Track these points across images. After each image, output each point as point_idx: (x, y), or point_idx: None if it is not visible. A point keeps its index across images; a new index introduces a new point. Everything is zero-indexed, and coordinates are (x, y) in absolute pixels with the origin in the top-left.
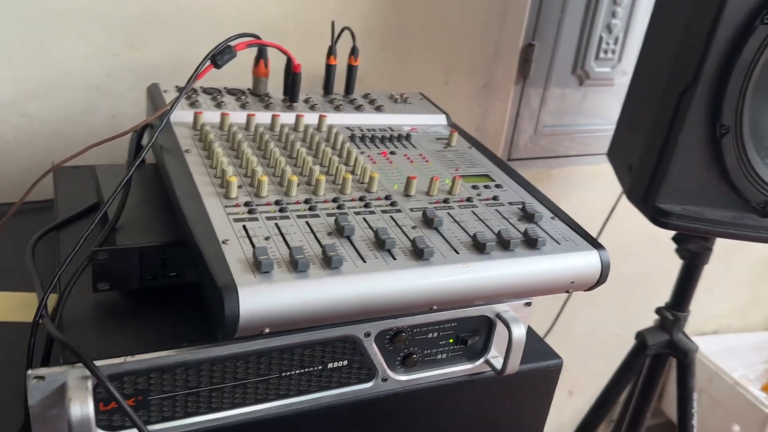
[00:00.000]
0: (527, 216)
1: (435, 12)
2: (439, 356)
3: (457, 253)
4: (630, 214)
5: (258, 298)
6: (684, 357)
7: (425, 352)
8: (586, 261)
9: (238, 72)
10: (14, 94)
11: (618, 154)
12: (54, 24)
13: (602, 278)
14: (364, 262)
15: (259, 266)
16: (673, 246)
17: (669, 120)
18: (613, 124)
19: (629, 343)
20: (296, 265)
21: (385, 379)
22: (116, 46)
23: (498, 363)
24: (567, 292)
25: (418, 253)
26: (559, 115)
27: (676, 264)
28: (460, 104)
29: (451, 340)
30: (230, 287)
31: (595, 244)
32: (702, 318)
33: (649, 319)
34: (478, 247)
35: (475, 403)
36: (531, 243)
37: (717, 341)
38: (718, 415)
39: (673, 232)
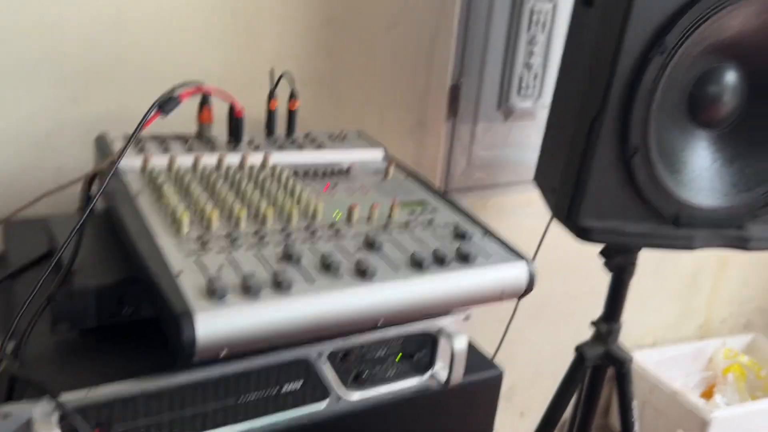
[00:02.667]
0: (460, 235)
1: (366, 57)
2: (389, 373)
3: (398, 271)
4: (566, 237)
5: (214, 322)
6: (621, 366)
7: (375, 369)
8: (515, 272)
9: (183, 119)
10: None
11: (542, 178)
12: (1, 82)
13: (529, 287)
14: (313, 283)
15: (214, 292)
16: None
17: (583, 144)
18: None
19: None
20: (248, 290)
21: (338, 398)
22: (61, 101)
23: (443, 376)
24: (500, 300)
25: (362, 273)
26: (489, 147)
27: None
28: (396, 141)
29: (398, 357)
30: (187, 313)
31: (522, 256)
32: (639, 331)
33: (589, 335)
34: (417, 264)
35: (425, 417)
36: (464, 258)
37: (656, 353)
38: (661, 423)
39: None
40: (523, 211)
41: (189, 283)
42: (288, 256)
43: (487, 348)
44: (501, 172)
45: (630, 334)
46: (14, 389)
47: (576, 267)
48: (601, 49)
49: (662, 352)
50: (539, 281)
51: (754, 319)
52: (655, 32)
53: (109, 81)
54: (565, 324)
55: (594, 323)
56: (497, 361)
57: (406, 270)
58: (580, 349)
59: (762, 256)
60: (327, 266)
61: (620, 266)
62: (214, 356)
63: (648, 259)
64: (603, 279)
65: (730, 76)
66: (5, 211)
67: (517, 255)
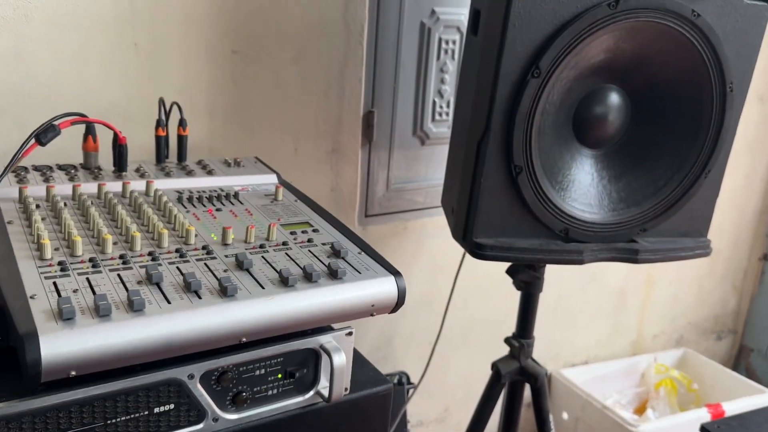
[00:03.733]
0: (335, 252)
1: (275, 86)
2: (270, 392)
3: (263, 288)
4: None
5: (59, 343)
6: (535, 381)
7: (255, 389)
8: (384, 287)
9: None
10: None
11: (445, 200)
12: None
13: (400, 301)
14: (169, 303)
15: (62, 314)
16: None
17: (473, 165)
18: None
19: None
20: (98, 311)
21: (216, 419)
22: None
23: (327, 393)
24: (371, 315)
25: (223, 291)
26: (408, 172)
27: None
28: (312, 168)
29: (279, 375)
30: (31, 334)
31: (392, 271)
32: (570, 351)
33: None
34: (284, 281)
35: None
36: (333, 274)
37: (587, 371)
38: None
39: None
40: (443, 234)
41: (40, 306)
42: (149, 278)
43: (417, 371)
44: (420, 196)
45: (562, 352)
46: None
47: (499, 289)
48: (483, 75)
49: (595, 369)
50: (465, 303)
51: (687, 334)
52: (530, 57)
53: (7, 116)
54: (493, 345)
55: (507, 340)
56: (427, 383)
57: (272, 287)
58: (495, 366)
59: (689, 273)
60: (188, 286)
61: (527, 282)
62: (63, 376)
63: (573, 280)
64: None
65: (613, 97)
66: None
67: (387, 270)
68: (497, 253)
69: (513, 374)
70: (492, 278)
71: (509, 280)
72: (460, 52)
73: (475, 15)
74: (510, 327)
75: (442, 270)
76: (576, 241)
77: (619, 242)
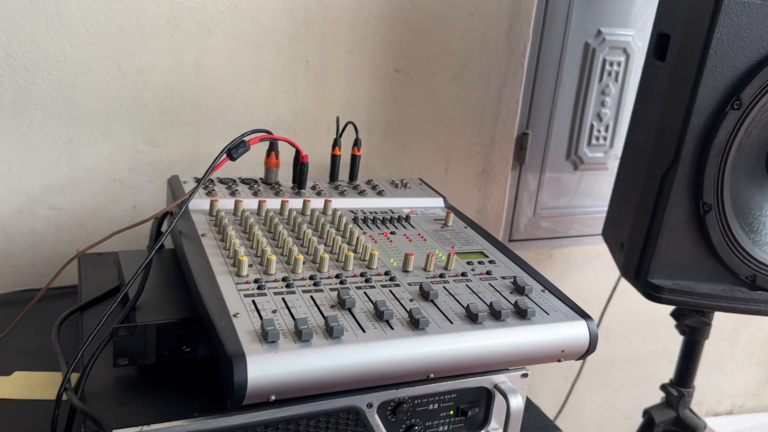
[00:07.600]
0: (518, 289)
1: (433, 107)
2: (441, 428)
3: (452, 323)
4: (634, 293)
5: (265, 366)
6: None
7: (427, 424)
8: (575, 331)
9: (252, 164)
10: (43, 189)
11: (611, 233)
12: (82, 125)
13: (591, 348)
14: (364, 332)
15: (267, 336)
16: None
17: (654, 200)
18: None
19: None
20: (300, 335)
21: None
22: (138, 143)
23: None
24: (558, 360)
25: (415, 323)
26: (557, 197)
27: (681, 341)
28: (460, 189)
29: (451, 412)
30: (239, 356)
31: (583, 314)
32: (714, 398)
33: (659, 399)
34: (472, 317)
35: None
36: (521, 313)
37: (733, 422)
38: None
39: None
40: (591, 264)
41: (244, 326)
42: (341, 303)
43: (550, 407)
44: (569, 223)
45: (704, 399)
46: (73, 421)
47: (645, 328)
48: (673, 104)
49: (742, 420)
50: (607, 340)
51: None
52: (730, 88)
53: (185, 125)
54: (631, 386)
55: (664, 387)
56: (559, 422)
57: (460, 323)
58: (648, 413)
59: None
60: (380, 315)
61: (693, 328)
62: (263, 400)
63: (725, 321)
64: (674, 340)
65: None
66: (84, 245)
67: (578, 313)
68: (675, 297)
69: (668, 424)
70: (639, 317)
71: (658, 320)
72: (625, 75)
73: (660, 39)
74: (656, 370)
75: (586, 303)
76: (764, 290)
77: None
